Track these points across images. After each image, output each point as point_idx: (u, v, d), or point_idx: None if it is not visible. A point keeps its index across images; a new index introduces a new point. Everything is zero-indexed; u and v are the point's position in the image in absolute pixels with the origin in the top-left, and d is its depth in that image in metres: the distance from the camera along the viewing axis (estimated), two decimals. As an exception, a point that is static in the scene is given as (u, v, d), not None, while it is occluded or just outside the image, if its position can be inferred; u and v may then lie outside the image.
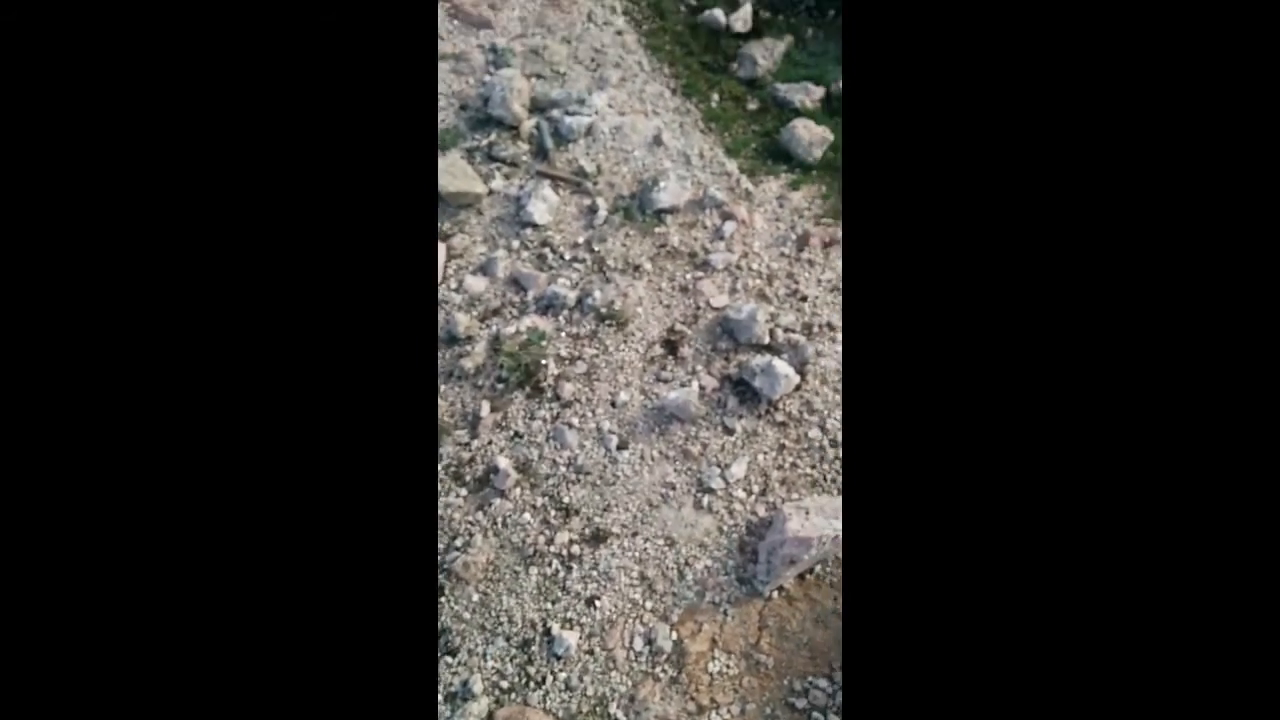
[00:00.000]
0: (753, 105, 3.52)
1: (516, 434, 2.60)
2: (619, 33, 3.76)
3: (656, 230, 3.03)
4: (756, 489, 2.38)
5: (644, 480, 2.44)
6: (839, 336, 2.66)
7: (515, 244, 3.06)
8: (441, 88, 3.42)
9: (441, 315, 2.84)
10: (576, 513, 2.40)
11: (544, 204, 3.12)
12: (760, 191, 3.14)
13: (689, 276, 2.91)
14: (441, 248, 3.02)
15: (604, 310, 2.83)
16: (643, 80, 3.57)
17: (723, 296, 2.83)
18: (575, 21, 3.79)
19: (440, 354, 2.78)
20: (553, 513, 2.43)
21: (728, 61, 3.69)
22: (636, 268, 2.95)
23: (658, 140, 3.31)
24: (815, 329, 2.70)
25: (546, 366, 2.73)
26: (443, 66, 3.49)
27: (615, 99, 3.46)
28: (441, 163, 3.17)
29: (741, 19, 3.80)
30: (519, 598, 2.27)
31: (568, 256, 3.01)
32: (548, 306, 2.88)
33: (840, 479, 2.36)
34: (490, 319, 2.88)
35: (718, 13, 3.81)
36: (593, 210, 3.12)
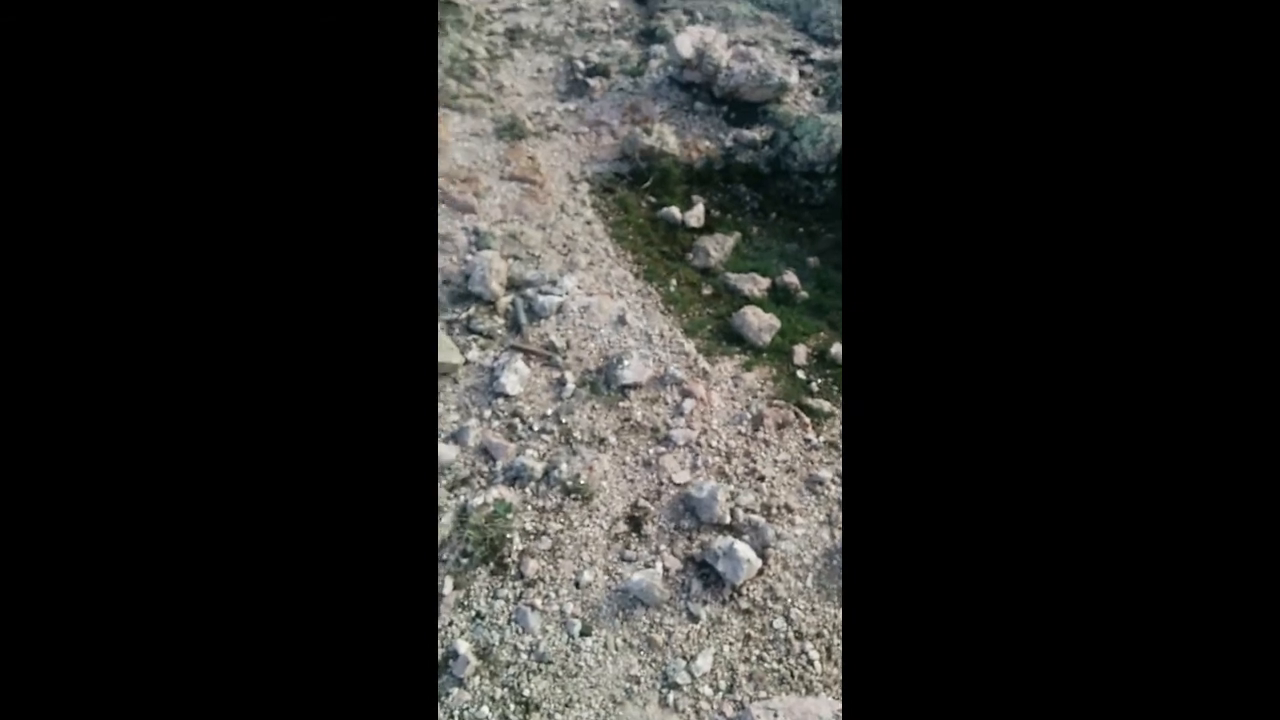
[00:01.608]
0: (707, 291, 3.72)
1: (478, 614, 2.40)
2: (588, 223, 4.01)
3: (621, 404, 3.05)
4: (723, 685, 2.22)
5: (607, 672, 2.25)
6: (797, 519, 2.65)
7: (487, 413, 3.01)
8: (425, 265, 3.52)
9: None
10: (537, 708, 2.18)
11: (516, 376, 3.12)
12: (716, 371, 3.23)
13: (652, 451, 2.89)
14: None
15: (570, 483, 2.75)
16: (609, 265, 3.75)
17: (684, 473, 2.81)
18: (550, 211, 4.02)
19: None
20: (512, 706, 2.19)
21: (684, 252, 3.94)
22: (602, 441, 2.92)
23: (622, 320, 3.42)
24: (774, 510, 2.67)
25: (511, 541, 2.58)
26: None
27: (584, 281, 3.61)
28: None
29: (695, 216, 4.12)
30: (471, 812, 1.99)
31: (536, 427, 2.97)
32: (515, 478, 2.79)
33: (806, 675, 2.24)
34: (459, 488, 2.76)
35: (674, 210, 4.12)
36: (561, 383, 3.13)
